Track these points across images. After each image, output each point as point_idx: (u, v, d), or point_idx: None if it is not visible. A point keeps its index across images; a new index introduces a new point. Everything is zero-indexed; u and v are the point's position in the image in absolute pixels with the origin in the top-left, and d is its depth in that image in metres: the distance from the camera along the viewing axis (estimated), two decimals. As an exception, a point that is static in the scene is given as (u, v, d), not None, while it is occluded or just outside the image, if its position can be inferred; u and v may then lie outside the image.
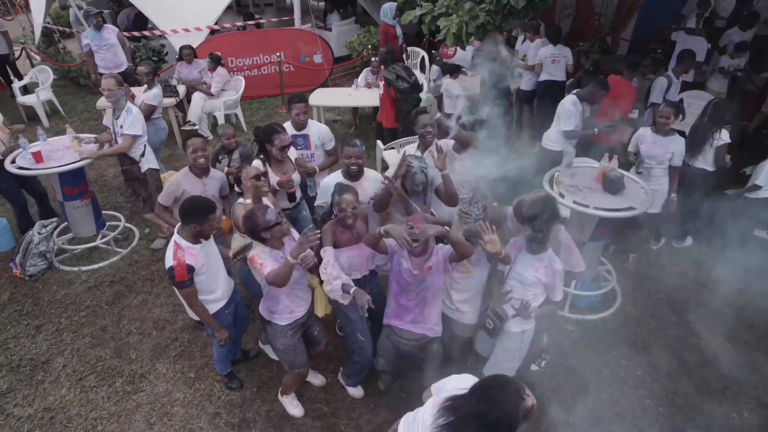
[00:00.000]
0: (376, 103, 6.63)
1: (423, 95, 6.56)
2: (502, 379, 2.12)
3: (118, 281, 4.95)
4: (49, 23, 10.67)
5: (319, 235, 2.98)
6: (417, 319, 3.23)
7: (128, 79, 6.69)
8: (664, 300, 4.64)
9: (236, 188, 3.84)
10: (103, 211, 5.54)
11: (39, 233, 4.97)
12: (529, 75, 7.14)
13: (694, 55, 5.86)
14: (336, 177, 3.67)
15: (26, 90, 8.67)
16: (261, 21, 10.46)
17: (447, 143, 3.95)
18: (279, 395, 3.73)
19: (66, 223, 5.26)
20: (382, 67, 7.13)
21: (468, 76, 7.70)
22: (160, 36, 8.99)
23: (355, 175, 3.61)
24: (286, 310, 3.23)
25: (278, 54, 8.54)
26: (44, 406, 3.75)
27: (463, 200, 3.61)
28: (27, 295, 4.80)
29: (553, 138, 5.04)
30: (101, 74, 6.69)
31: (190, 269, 3.12)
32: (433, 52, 8.88)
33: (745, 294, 4.66)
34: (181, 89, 7.44)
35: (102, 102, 6.41)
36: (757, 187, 4.68)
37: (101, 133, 5.08)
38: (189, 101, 7.77)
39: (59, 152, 4.87)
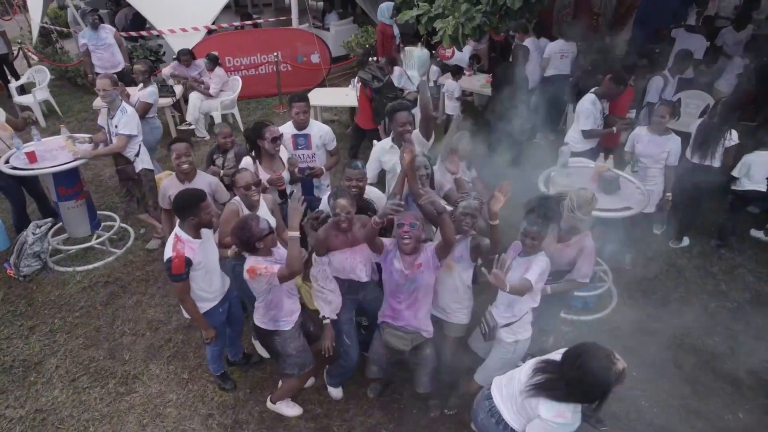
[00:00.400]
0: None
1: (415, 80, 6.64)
2: (592, 347, 2.33)
3: (112, 282, 4.94)
4: (46, 23, 10.66)
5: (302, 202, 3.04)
6: (410, 322, 3.22)
7: (125, 78, 6.69)
8: (659, 300, 4.62)
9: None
10: (99, 212, 5.54)
11: (33, 233, 4.96)
12: (528, 74, 7.10)
13: (691, 54, 5.85)
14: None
15: (23, 90, 8.65)
16: (258, 21, 10.44)
17: (415, 134, 3.93)
18: (269, 403, 3.67)
19: (61, 223, 5.24)
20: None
21: (466, 76, 7.71)
22: (157, 36, 8.97)
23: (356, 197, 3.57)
24: (289, 312, 3.21)
25: (276, 54, 8.53)
26: (36, 407, 3.73)
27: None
28: (21, 295, 4.78)
29: (574, 138, 5.00)
30: (98, 74, 6.68)
31: (188, 262, 3.11)
32: (432, 52, 8.87)
33: (741, 295, 4.67)
34: (178, 89, 7.43)
35: (99, 102, 6.38)
36: (735, 179, 4.81)
37: (97, 133, 5.07)
38: (186, 101, 7.76)
39: (53, 152, 4.86)
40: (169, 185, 3.95)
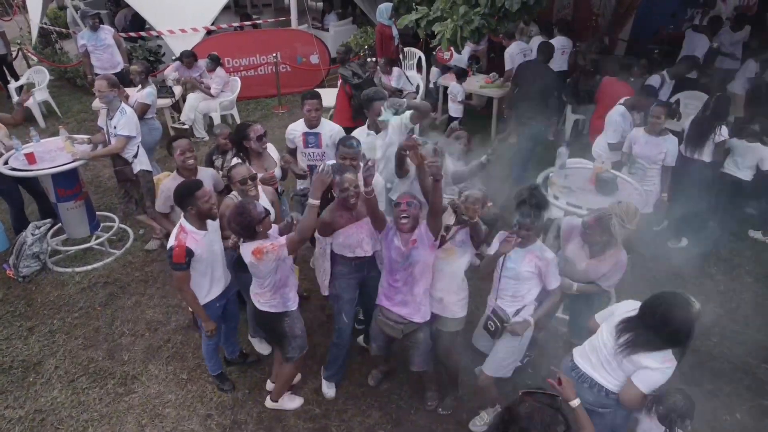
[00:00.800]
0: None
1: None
2: (667, 295, 2.54)
3: (111, 282, 4.94)
4: (46, 24, 10.67)
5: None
6: (406, 299, 3.22)
7: (124, 79, 6.69)
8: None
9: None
10: (98, 212, 5.54)
11: (32, 234, 4.97)
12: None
13: (696, 61, 5.83)
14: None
15: (22, 90, 8.65)
16: (258, 21, 10.45)
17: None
18: (270, 403, 3.68)
19: (60, 224, 5.25)
20: (378, 67, 7.17)
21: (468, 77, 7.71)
22: (156, 37, 8.98)
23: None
24: (293, 289, 3.28)
25: (275, 54, 8.53)
26: (35, 408, 3.74)
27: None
28: (20, 296, 4.79)
29: (602, 147, 4.95)
30: (97, 75, 6.69)
31: (189, 253, 3.13)
32: (433, 53, 8.88)
33: (739, 296, 4.68)
34: (177, 90, 7.43)
35: (98, 103, 6.40)
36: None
37: (96, 133, 5.08)
38: (185, 101, 7.77)
39: (52, 153, 4.87)
40: (171, 185, 3.94)
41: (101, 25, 7.35)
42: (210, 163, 4.68)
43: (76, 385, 3.91)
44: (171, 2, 8.76)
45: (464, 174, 3.75)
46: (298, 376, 3.86)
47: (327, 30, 10.72)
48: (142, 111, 5.35)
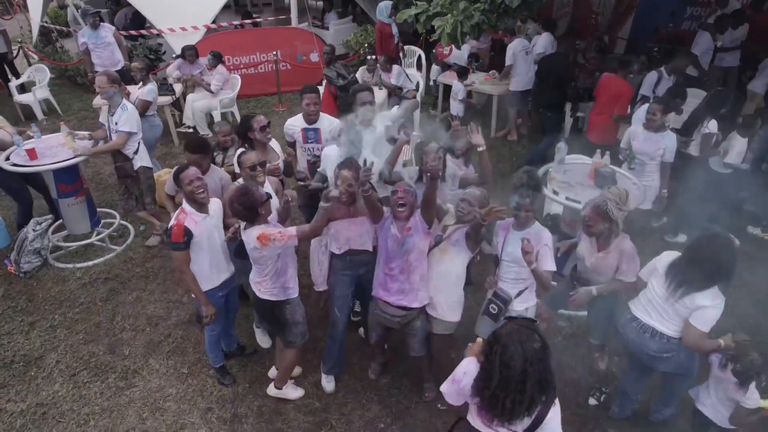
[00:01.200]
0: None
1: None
2: (711, 236, 2.91)
3: (112, 278, 4.96)
4: (46, 22, 10.69)
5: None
6: (403, 287, 3.25)
7: (125, 77, 6.71)
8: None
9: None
10: (99, 209, 5.56)
11: (34, 230, 4.98)
12: (518, 76, 7.10)
13: (692, 56, 5.84)
14: (331, 150, 3.76)
15: (23, 89, 8.68)
16: (258, 20, 10.47)
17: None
18: (273, 391, 3.71)
19: (61, 220, 5.27)
20: (378, 65, 7.19)
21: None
22: (157, 35, 9.00)
23: None
24: (293, 277, 3.30)
25: (275, 52, 8.55)
26: (37, 401, 3.76)
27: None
28: (21, 291, 4.81)
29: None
30: (98, 72, 6.71)
31: (188, 232, 3.19)
32: (433, 51, 8.90)
33: (738, 292, 4.68)
34: (178, 87, 7.45)
35: (98, 100, 6.43)
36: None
37: (97, 130, 5.09)
38: (186, 98, 7.79)
39: (53, 149, 4.89)
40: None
41: (101, 24, 7.37)
42: (211, 160, 4.71)
43: (77, 379, 3.93)
44: (171, 1, 8.79)
45: (468, 177, 3.78)
46: (299, 369, 3.88)
47: (327, 28, 10.75)
48: (143, 108, 5.37)
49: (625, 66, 5.68)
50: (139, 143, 4.89)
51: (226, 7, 9.75)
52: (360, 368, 3.96)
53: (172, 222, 3.26)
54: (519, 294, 3.25)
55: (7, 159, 4.78)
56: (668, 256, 3.00)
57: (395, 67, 7.09)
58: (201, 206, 3.30)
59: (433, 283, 3.31)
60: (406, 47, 8.80)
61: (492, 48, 9.19)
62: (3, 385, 3.89)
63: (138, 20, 9.50)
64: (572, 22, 9.82)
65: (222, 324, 3.75)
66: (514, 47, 6.94)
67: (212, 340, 3.74)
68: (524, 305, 3.32)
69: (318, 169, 3.95)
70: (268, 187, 3.65)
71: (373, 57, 7.44)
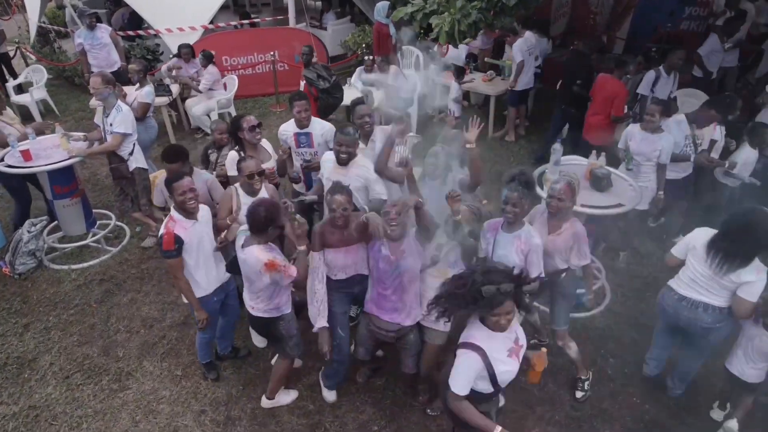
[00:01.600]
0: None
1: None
2: (745, 210, 3.05)
3: (107, 279, 4.95)
4: (44, 23, 10.68)
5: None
6: (396, 306, 3.22)
7: (121, 78, 6.70)
8: (653, 298, 4.61)
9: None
10: (95, 210, 5.55)
11: (29, 231, 4.97)
12: (523, 75, 7.07)
13: (684, 55, 5.79)
14: (330, 155, 3.76)
15: (20, 89, 8.67)
16: (256, 20, 10.45)
17: (382, 128, 4.03)
18: (265, 401, 3.67)
19: (56, 221, 5.25)
20: (376, 66, 7.17)
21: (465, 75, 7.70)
22: (155, 35, 8.99)
23: (344, 162, 3.64)
24: (286, 294, 3.31)
25: (272, 53, 8.54)
26: (29, 404, 3.74)
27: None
28: (16, 293, 4.80)
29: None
30: (93, 73, 6.69)
31: (178, 240, 3.21)
32: (430, 51, 8.86)
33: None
34: (174, 88, 7.43)
35: (95, 101, 6.41)
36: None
37: (92, 131, 5.08)
38: (183, 100, 7.78)
39: (48, 150, 4.88)
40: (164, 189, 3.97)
41: (98, 24, 7.35)
42: (206, 157, 4.70)
43: (70, 382, 3.91)
44: (169, 1, 8.77)
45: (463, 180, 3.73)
46: (299, 361, 3.87)
47: (325, 29, 10.72)
48: (144, 111, 5.37)
49: (620, 66, 5.65)
50: (134, 144, 4.87)
51: (224, 8, 9.74)
52: (354, 371, 3.94)
53: (162, 231, 3.25)
54: None
55: (2, 160, 4.76)
56: (703, 233, 3.17)
57: (392, 68, 7.06)
58: (190, 214, 3.30)
59: (428, 296, 3.28)
60: (404, 47, 8.78)
61: (493, 49, 9.17)
62: (-4, 388, 3.88)
63: (135, 20, 9.50)
64: (570, 22, 9.79)
65: (215, 329, 3.73)
66: (520, 46, 6.92)
67: (203, 342, 3.74)
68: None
69: (317, 176, 3.96)
70: (264, 193, 3.66)
71: (371, 57, 7.42)
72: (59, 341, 4.27)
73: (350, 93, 7.44)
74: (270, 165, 4.06)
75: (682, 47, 5.94)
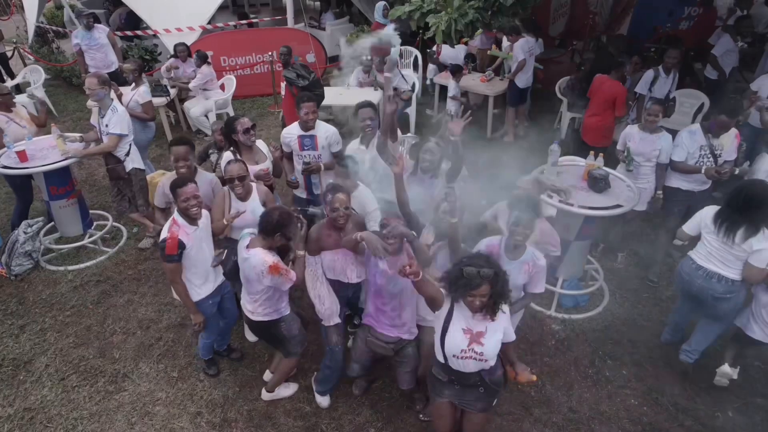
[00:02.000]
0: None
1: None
2: (747, 183, 3.36)
3: (104, 281, 4.93)
4: (42, 23, 10.66)
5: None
6: (395, 322, 3.22)
7: (118, 79, 6.68)
8: (651, 299, 4.61)
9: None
10: (92, 211, 5.53)
11: (25, 232, 4.96)
12: (524, 73, 7.04)
13: (679, 53, 5.76)
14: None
15: (18, 89, 8.65)
16: (255, 21, 10.44)
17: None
18: (266, 395, 3.69)
19: (53, 222, 5.23)
20: (374, 66, 7.14)
21: (464, 75, 7.69)
22: (153, 35, 8.97)
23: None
24: (285, 296, 3.31)
25: (270, 53, 8.52)
26: (25, 406, 3.73)
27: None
28: (12, 294, 4.78)
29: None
30: (89, 74, 6.67)
31: (181, 245, 3.21)
32: (428, 50, 8.85)
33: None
34: (173, 91, 7.41)
35: (92, 102, 6.39)
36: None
37: (89, 132, 5.06)
38: (181, 100, 7.76)
39: (44, 151, 4.86)
40: (167, 183, 3.93)
41: (96, 25, 7.33)
42: (205, 158, 4.69)
43: (66, 384, 3.89)
44: (167, 1, 8.75)
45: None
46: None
47: (324, 29, 10.71)
48: (151, 110, 5.39)
49: (618, 67, 5.63)
50: (130, 145, 4.85)
51: (223, 8, 9.71)
52: (350, 380, 3.90)
53: (166, 234, 3.22)
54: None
55: (-1, 160, 4.75)
56: (712, 210, 3.44)
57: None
58: (193, 220, 3.29)
59: (424, 308, 3.23)
60: (402, 48, 8.76)
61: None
62: (-9, 390, 3.86)
63: (132, 20, 9.47)
64: (570, 22, 9.78)
65: (216, 331, 3.74)
66: (522, 45, 6.91)
67: (206, 346, 3.77)
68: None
69: (310, 209, 3.93)
70: (255, 198, 3.64)
71: (369, 57, 7.39)
72: (55, 343, 4.25)
73: (350, 93, 7.44)
74: (265, 166, 4.04)
75: (677, 42, 5.95)
